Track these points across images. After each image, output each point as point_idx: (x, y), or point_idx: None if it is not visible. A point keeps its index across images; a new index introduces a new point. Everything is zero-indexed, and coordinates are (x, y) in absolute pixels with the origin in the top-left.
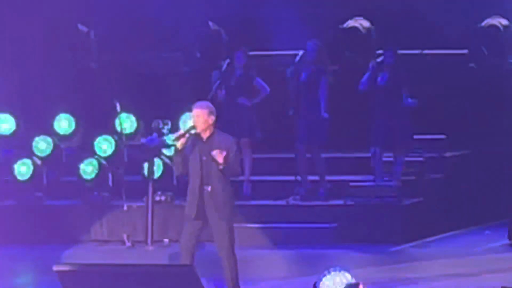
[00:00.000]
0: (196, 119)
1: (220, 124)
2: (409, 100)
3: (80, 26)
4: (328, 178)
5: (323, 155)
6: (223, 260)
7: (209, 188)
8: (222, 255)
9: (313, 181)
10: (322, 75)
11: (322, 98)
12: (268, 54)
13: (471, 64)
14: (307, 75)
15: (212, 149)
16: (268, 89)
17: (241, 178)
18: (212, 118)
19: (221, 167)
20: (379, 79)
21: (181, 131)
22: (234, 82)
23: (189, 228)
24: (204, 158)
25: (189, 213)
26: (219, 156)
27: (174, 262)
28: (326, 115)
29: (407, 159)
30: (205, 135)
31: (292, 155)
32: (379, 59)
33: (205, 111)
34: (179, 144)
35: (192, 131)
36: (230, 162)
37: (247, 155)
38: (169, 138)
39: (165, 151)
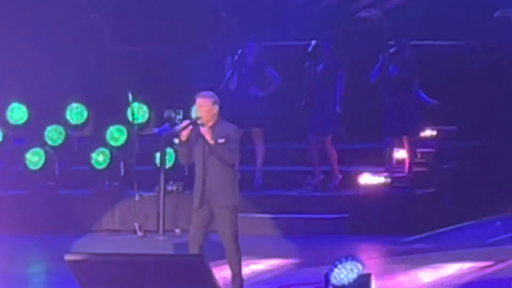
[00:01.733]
0: (200, 108)
1: (232, 114)
2: (423, 95)
3: (92, 16)
4: (340, 169)
5: (335, 146)
6: (226, 249)
7: (211, 177)
8: (225, 244)
9: (324, 172)
10: (339, 68)
11: (338, 91)
12: (281, 44)
13: (484, 55)
14: (325, 66)
15: (214, 137)
16: (280, 78)
17: (253, 168)
18: (216, 108)
19: (212, 148)
20: (390, 69)
21: (185, 123)
22: (245, 72)
23: (196, 218)
24: (206, 148)
25: (194, 202)
26: (207, 132)
27: (185, 252)
28: (339, 110)
29: (419, 150)
30: (209, 124)
31: (305, 146)
32: (391, 50)
33: (209, 100)
34: (183, 136)
35: (198, 122)
36: (225, 148)
37: (259, 145)
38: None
39: (177, 141)
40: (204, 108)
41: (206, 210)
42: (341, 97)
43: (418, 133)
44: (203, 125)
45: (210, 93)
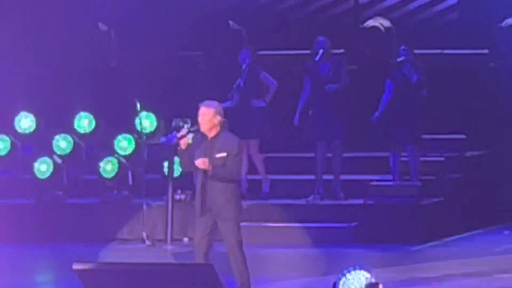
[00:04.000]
0: (201, 117)
1: (232, 124)
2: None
3: (100, 25)
4: (347, 177)
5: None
6: (230, 259)
7: (211, 186)
8: (229, 254)
9: (332, 180)
10: (340, 68)
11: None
12: (285, 53)
13: (491, 64)
14: (326, 70)
15: (215, 149)
16: (275, 83)
17: (258, 177)
18: (218, 118)
19: (209, 173)
20: (398, 78)
21: (183, 131)
22: (243, 81)
23: (200, 226)
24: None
25: (196, 210)
26: (201, 163)
27: (193, 261)
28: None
29: (427, 158)
30: (210, 134)
31: (312, 154)
32: (399, 59)
33: (211, 111)
34: (182, 144)
35: (196, 130)
36: (228, 165)
37: (257, 156)
38: (189, 138)
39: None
40: (206, 117)
41: (210, 218)
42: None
43: (423, 142)
44: (203, 133)
45: (214, 103)
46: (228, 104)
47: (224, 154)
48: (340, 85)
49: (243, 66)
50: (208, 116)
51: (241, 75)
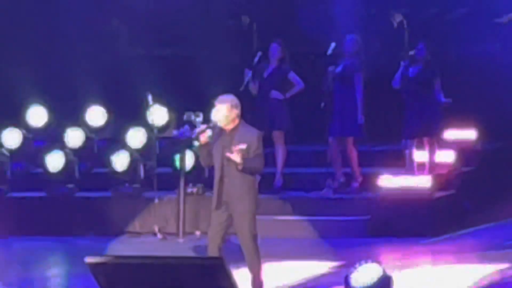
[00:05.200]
0: (217, 113)
1: (252, 116)
2: (443, 98)
3: (113, 20)
4: (360, 171)
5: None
6: (245, 252)
7: (229, 180)
8: (243, 247)
9: (345, 174)
10: (357, 70)
11: (358, 95)
12: (300, 47)
13: (504, 58)
14: (343, 68)
15: (234, 143)
16: (302, 84)
17: (273, 169)
18: (234, 112)
19: (240, 167)
20: (410, 71)
21: (201, 128)
22: (267, 75)
23: (215, 220)
24: (225, 151)
25: (212, 203)
26: (235, 156)
27: (205, 254)
28: (361, 119)
29: (439, 152)
30: (228, 128)
31: (326, 148)
32: (411, 52)
33: (226, 106)
34: (201, 139)
35: (215, 125)
36: (250, 158)
37: (280, 148)
38: (208, 133)
39: (197, 143)
40: (221, 112)
41: (225, 212)
42: (361, 102)
43: (438, 135)
44: (221, 127)
45: (228, 97)
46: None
47: (244, 146)
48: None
49: (271, 62)
50: (224, 111)
51: (259, 68)
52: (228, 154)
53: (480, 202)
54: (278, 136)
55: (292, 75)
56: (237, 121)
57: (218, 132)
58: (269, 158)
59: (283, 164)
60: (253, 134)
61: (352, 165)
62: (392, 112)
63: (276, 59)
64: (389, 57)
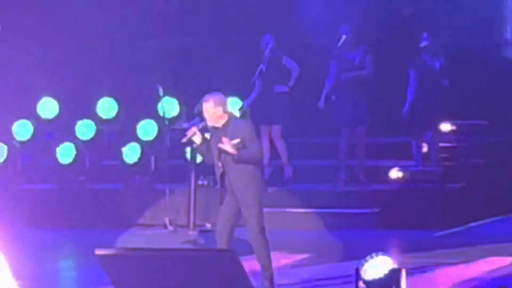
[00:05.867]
0: (204, 113)
1: (254, 110)
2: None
3: (123, 10)
4: (370, 163)
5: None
6: (253, 243)
7: (230, 173)
8: (252, 239)
9: (354, 166)
10: (366, 55)
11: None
12: (304, 39)
13: None
14: (352, 57)
15: (227, 137)
16: (297, 67)
17: (278, 163)
18: (219, 109)
19: (235, 157)
20: (420, 63)
21: (190, 131)
22: (265, 67)
23: (222, 213)
24: (220, 146)
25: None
26: (227, 147)
27: (216, 246)
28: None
29: (451, 144)
30: (219, 125)
31: (335, 140)
32: (421, 44)
33: (210, 104)
34: (196, 140)
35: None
36: (244, 149)
37: (279, 142)
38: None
39: (207, 135)
40: (208, 112)
41: (233, 204)
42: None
43: (441, 128)
44: (206, 126)
45: (211, 95)
46: (254, 94)
47: (238, 140)
48: (364, 73)
49: (265, 52)
50: (210, 110)
51: (263, 60)
52: (220, 146)
53: (491, 194)
54: (277, 131)
55: (286, 59)
56: (225, 117)
57: (212, 130)
58: (276, 151)
59: (287, 154)
60: (245, 126)
61: (360, 156)
62: (401, 104)
63: (268, 50)
64: (398, 49)
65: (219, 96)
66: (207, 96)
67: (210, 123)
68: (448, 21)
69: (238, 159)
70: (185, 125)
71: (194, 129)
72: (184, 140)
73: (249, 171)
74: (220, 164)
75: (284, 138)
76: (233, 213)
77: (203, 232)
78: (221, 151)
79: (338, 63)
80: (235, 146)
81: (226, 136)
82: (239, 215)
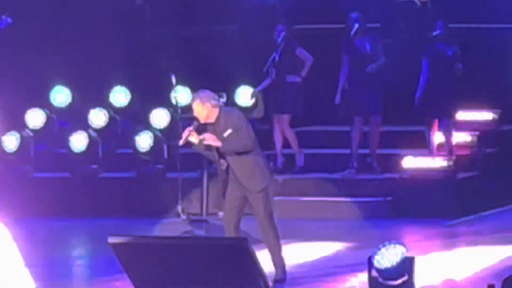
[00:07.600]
0: (195, 114)
1: (265, 98)
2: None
3: (137, 0)
4: (383, 151)
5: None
6: (261, 231)
7: (230, 165)
8: (260, 226)
9: (367, 155)
10: (377, 44)
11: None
12: (322, 27)
13: None
14: (364, 47)
15: (221, 130)
16: (311, 58)
17: (291, 151)
18: (207, 106)
19: (221, 150)
20: (432, 52)
21: (185, 133)
22: (279, 56)
23: (227, 200)
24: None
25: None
26: (209, 141)
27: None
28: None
29: (463, 132)
30: (212, 119)
31: (347, 128)
32: (434, 33)
33: (197, 103)
34: (193, 140)
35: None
36: (233, 137)
37: (288, 131)
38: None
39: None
40: (196, 111)
41: (238, 191)
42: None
43: (454, 115)
44: (199, 122)
45: (197, 94)
46: (267, 81)
47: (230, 131)
48: (380, 63)
49: (278, 41)
50: (198, 109)
51: (276, 49)
52: (205, 143)
53: (503, 183)
54: (285, 120)
55: (299, 50)
56: (216, 111)
57: (208, 127)
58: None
59: (297, 143)
60: (233, 115)
61: (373, 144)
62: (415, 93)
63: (282, 39)
64: (412, 38)
65: (203, 93)
66: (193, 95)
67: (203, 121)
68: (463, 7)
69: (226, 150)
70: None
71: (189, 130)
72: (181, 142)
73: (251, 159)
74: (222, 160)
75: (294, 127)
76: (238, 199)
77: (216, 220)
78: (208, 146)
79: (351, 53)
80: (220, 138)
81: (219, 128)
82: (245, 202)
